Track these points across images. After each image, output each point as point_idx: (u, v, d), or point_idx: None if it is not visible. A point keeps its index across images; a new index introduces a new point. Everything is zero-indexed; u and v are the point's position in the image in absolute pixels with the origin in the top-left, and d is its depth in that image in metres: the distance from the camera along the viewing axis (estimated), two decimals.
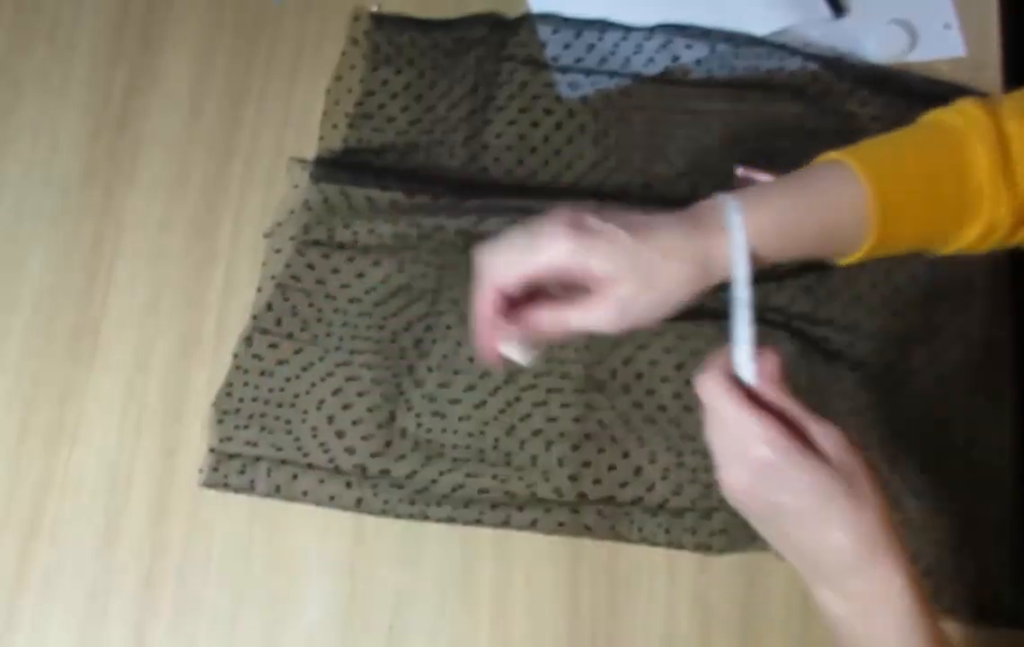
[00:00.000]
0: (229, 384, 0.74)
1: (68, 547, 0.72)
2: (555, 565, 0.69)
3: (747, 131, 0.77)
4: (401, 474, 0.71)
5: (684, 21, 0.80)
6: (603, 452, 0.70)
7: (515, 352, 0.52)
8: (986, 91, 0.76)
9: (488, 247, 0.51)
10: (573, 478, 0.70)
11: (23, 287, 0.78)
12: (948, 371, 0.69)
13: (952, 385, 0.69)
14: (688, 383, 0.71)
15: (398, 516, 0.70)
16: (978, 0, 0.79)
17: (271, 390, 0.74)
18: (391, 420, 0.72)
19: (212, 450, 0.73)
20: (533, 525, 0.69)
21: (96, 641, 0.70)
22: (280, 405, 0.73)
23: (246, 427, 0.73)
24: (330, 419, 0.72)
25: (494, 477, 0.70)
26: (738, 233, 0.50)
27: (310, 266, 0.76)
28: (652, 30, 0.80)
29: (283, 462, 0.72)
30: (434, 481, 0.71)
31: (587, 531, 0.69)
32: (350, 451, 0.72)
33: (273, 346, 0.75)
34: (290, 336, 0.75)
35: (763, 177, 0.74)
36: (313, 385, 0.73)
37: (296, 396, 0.73)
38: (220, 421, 0.73)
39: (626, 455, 0.70)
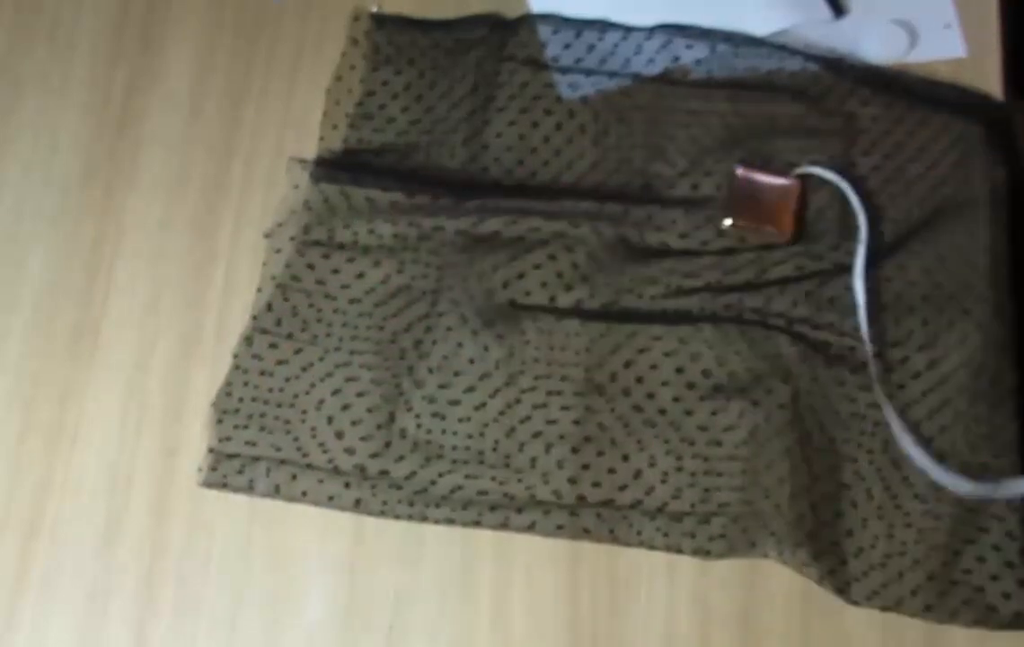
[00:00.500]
0: (229, 384, 0.74)
1: (68, 547, 0.72)
2: (555, 565, 0.69)
3: (747, 131, 0.77)
4: (400, 475, 0.71)
5: (684, 21, 0.80)
6: (603, 455, 0.70)
7: None
8: (986, 91, 0.77)
9: None
10: (572, 481, 0.70)
11: (23, 287, 0.78)
12: (949, 374, 0.69)
13: (953, 388, 0.69)
14: (688, 387, 0.71)
15: (397, 517, 0.70)
16: (978, 0, 0.79)
17: (271, 390, 0.74)
18: (391, 421, 0.72)
19: (211, 450, 0.73)
20: (532, 527, 0.69)
21: (96, 641, 0.70)
22: (280, 405, 0.73)
23: (245, 427, 0.73)
24: (330, 419, 0.72)
25: (493, 479, 0.70)
26: None
27: (310, 266, 0.76)
28: (652, 30, 0.80)
29: (282, 462, 0.72)
30: (433, 482, 0.71)
31: (586, 534, 0.69)
32: (349, 451, 0.72)
33: (273, 346, 0.75)
34: (290, 336, 0.75)
35: (763, 177, 0.74)
36: (313, 385, 0.73)
37: (296, 396, 0.73)
38: (219, 421, 0.73)
39: (626, 458, 0.70)
